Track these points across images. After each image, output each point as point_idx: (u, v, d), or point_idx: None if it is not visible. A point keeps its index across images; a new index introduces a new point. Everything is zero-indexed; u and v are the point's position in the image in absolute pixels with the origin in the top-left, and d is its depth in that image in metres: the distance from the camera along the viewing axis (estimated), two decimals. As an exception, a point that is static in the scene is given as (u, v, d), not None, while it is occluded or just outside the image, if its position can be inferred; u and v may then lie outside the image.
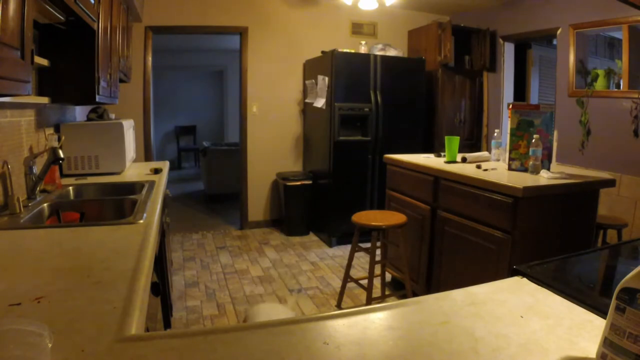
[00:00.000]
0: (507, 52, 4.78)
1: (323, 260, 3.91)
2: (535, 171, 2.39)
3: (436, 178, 2.68)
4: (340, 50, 4.24)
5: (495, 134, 3.07)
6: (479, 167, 2.63)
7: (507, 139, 2.57)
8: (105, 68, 2.43)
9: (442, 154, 3.08)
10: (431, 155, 3.19)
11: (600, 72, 3.74)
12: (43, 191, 1.98)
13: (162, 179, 2.48)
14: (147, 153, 4.49)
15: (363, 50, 4.55)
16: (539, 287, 0.93)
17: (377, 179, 4.35)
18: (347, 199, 4.29)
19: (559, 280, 0.97)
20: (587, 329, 0.76)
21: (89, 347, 0.69)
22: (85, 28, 2.05)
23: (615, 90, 3.65)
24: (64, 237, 1.34)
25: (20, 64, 1.20)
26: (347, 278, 2.91)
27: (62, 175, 2.39)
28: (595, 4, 3.67)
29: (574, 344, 0.71)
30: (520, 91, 5.00)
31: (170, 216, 3.02)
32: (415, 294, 2.76)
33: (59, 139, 2.25)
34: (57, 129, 2.47)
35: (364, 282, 2.84)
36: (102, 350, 0.69)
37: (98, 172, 2.57)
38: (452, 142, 2.89)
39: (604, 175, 2.53)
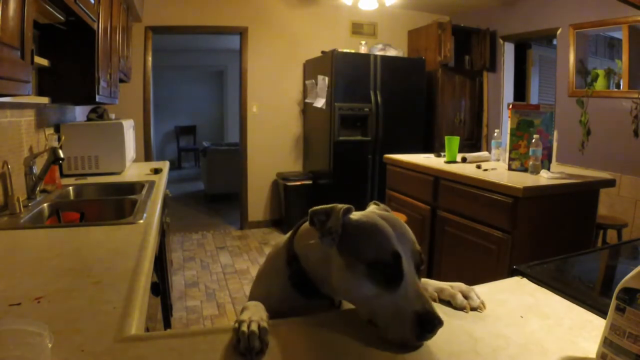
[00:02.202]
0: (507, 52, 4.78)
1: (323, 260, 3.90)
2: (535, 171, 2.39)
3: (436, 178, 2.68)
4: (340, 50, 4.24)
5: (495, 134, 3.07)
6: (479, 167, 2.63)
7: (507, 139, 2.57)
8: (105, 68, 2.43)
9: (442, 154, 3.08)
10: (431, 155, 3.19)
11: (600, 72, 3.74)
12: (43, 191, 1.98)
13: (162, 179, 2.48)
14: (147, 153, 4.49)
15: (363, 50, 4.54)
16: (539, 287, 0.93)
17: (377, 179, 4.35)
18: (347, 199, 4.25)
19: (559, 280, 0.97)
20: (587, 329, 0.76)
21: (89, 347, 0.69)
22: (85, 28, 2.05)
23: (615, 90, 3.65)
24: (64, 237, 1.34)
25: (20, 64, 1.20)
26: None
27: (62, 175, 2.39)
28: (595, 4, 3.67)
29: (574, 344, 0.71)
30: (520, 91, 5.00)
31: (170, 216, 3.01)
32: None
33: (59, 139, 2.25)
34: (57, 129, 2.47)
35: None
36: (102, 350, 0.69)
37: (98, 172, 2.57)
38: (452, 142, 2.89)
39: (604, 175, 2.53)
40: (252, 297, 0.88)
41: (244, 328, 0.67)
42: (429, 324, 0.64)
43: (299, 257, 0.79)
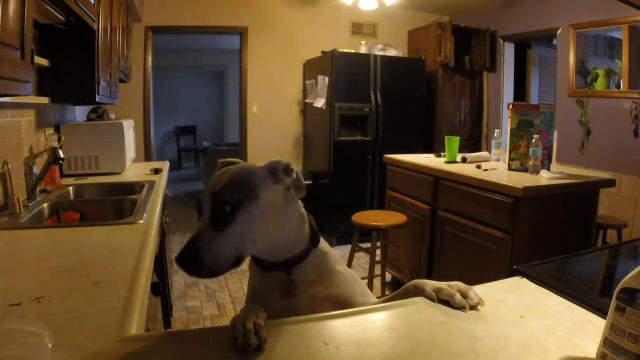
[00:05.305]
0: (507, 52, 4.78)
1: (323, 260, 3.90)
2: (535, 171, 2.39)
3: (436, 178, 2.68)
4: (340, 50, 4.24)
5: (495, 134, 3.07)
6: (479, 167, 2.63)
7: (507, 139, 2.57)
8: (105, 68, 2.43)
9: (442, 154, 3.08)
10: (431, 155, 3.19)
11: (600, 72, 3.74)
12: (43, 191, 1.98)
13: (162, 179, 2.48)
14: (147, 153, 4.49)
15: (363, 50, 4.54)
16: (539, 287, 0.93)
17: (377, 179, 4.35)
18: (347, 198, 4.28)
19: (559, 280, 0.97)
20: (587, 329, 0.76)
21: (89, 347, 0.69)
22: (85, 28, 2.05)
23: (615, 90, 3.65)
24: (64, 237, 1.34)
25: (20, 64, 1.20)
26: (347, 278, 2.90)
27: (62, 175, 2.39)
28: (595, 4, 3.67)
29: (574, 344, 0.71)
30: (520, 91, 5.00)
31: (170, 216, 3.01)
32: (415, 294, 2.75)
33: (59, 139, 2.25)
34: (57, 129, 2.46)
35: (364, 282, 2.84)
36: (102, 350, 0.69)
37: (98, 172, 2.56)
38: (452, 142, 2.89)
39: (604, 175, 2.53)
40: (247, 302, 0.92)
41: (240, 326, 0.68)
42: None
43: None
